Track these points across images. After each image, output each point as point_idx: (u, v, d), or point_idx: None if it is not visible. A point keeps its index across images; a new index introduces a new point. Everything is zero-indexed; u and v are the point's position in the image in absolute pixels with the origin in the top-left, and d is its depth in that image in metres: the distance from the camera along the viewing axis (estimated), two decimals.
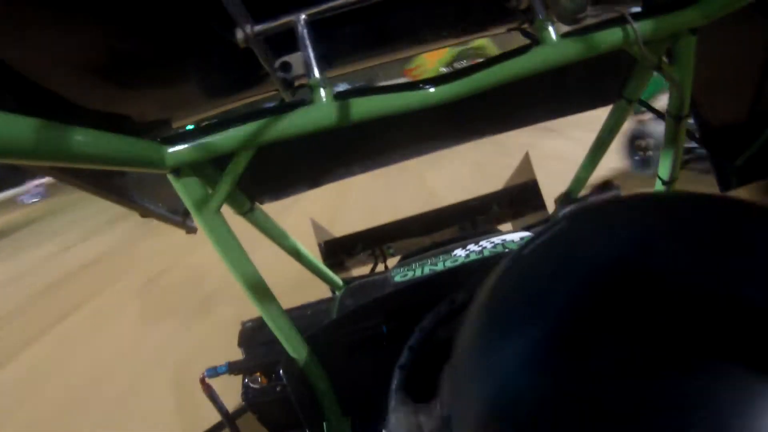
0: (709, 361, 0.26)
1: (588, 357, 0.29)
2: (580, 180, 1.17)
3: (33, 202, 17.77)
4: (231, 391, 1.11)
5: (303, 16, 0.58)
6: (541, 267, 0.38)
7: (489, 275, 0.44)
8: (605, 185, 1.10)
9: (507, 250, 0.93)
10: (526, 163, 1.77)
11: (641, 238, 0.34)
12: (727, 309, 0.28)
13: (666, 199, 0.42)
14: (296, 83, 0.72)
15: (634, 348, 0.28)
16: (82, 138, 0.48)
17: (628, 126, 3.87)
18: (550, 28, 0.63)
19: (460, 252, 0.97)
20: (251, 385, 1.03)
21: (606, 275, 0.33)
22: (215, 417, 1.06)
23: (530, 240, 0.43)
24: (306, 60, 0.60)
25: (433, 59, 8.01)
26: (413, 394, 0.60)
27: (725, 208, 0.36)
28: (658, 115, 0.87)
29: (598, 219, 0.40)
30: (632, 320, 0.29)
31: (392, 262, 1.48)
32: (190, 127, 0.82)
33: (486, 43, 7.42)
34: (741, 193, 0.94)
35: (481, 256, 0.93)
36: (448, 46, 0.86)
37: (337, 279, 1.42)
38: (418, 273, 0.95)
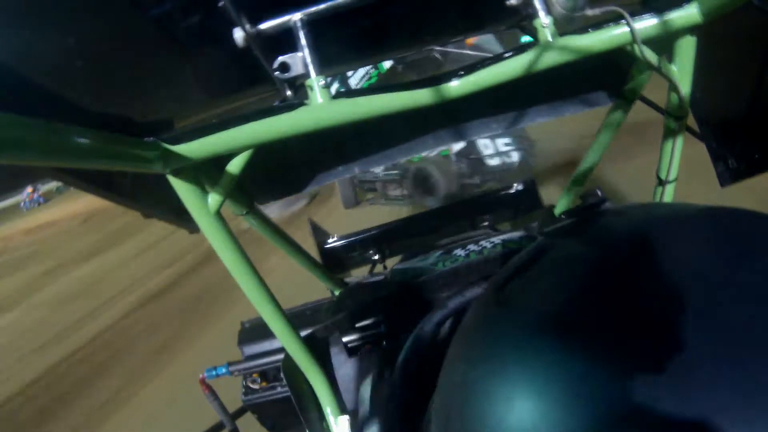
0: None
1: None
2: (578, 179, 1.17)
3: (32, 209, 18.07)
4: (230, 391, 1.11)
5: (301, 16, 0.58)
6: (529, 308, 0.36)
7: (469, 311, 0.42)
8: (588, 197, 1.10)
9: (507, 249, 0.93)
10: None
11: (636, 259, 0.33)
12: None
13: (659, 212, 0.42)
14: (296, 83, 0.72)
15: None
16: (82, 138, 0.48)
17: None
18: (549, 27, 0.63)
19: (460, 252, 0.97)
20: (251, 385, 1.03)
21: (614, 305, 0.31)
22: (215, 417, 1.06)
23: (512, 269, 0.42)
24: (304, 60, 0.60)
25: None
26: (409, 400, 0.60)
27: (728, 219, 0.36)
28: (660, 112, 0.87)
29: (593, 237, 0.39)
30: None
31: (392, 262, 1.48)
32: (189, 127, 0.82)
33: None
34: (740, 189, 0.95)
35: (481, 256, 0.93)
36: (448, 44, 0.86)
37: (337, 279, 1.42)
38: (418, 273, 0.95)
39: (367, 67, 4.39)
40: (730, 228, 0.34)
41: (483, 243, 0.96)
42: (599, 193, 0.45)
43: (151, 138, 0.61)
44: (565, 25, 0.64)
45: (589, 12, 0.62)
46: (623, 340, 0.28)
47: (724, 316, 0.27)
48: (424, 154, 4.39)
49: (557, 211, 1.33)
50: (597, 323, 0.30)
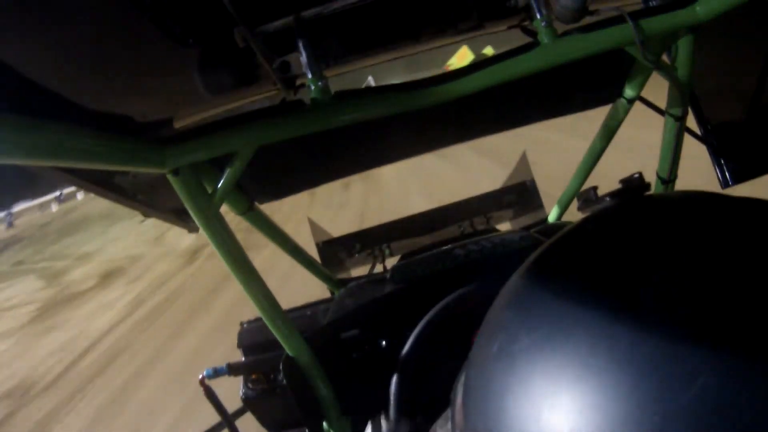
0: None
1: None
2: (578, 180, 1.17)
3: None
4: (230, 391, 1.11)
5: (302, 16, 0.58)
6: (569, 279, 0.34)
7: (508, 284, 0.40)
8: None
9: (507, 249, 0.93)
10: (523, 163, 1.77)
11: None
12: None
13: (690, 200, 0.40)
14: (296, 83, 0.72)
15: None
16: (81, 138, 0.48)
17: None
18: (550, 27, 0.63)
19: (460, 252, 0.97)
20: (251, 385, 1.02)
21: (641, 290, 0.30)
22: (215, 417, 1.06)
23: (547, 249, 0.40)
24: (305, 59, 0.60)
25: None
26: (413, 395, 0.60)
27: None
28: (660, 113, 0.87)
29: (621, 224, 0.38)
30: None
31: (391, 262, 1.48)
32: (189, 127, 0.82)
33: None
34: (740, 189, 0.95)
35: (481, 256, 0.93)
36: (448, 44, 0.86)
37: (336, 279, 1.42)
38: (418, 273, 0.95)
39: None
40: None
41: (483, 243, 0.96)
42: (641, 177, 0.43)
43: (151, 138, 0.61)
44: (566, 26, 0.64)
45: (590, 12, 0.62)
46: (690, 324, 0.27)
47: None
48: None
49: (557, 210, 1.33)
50: (653, 304, 0.29)
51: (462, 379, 0.39)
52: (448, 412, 0.41)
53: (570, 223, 0.48)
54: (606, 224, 0.38)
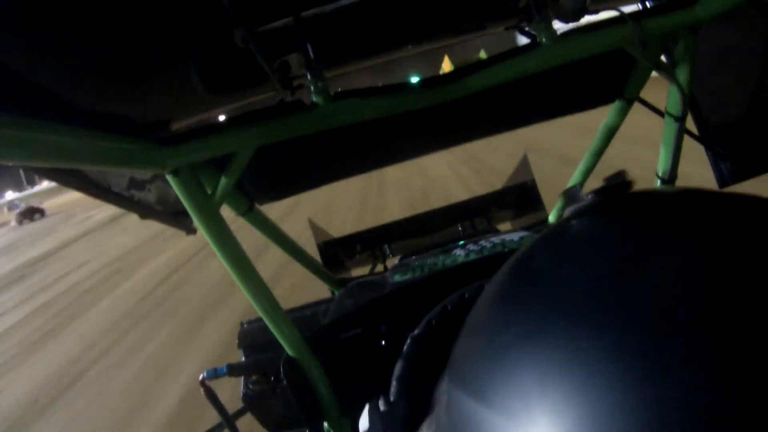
0: None
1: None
2: (578, 181, 1.17)
3: None
4: (229, 391, 1.11)
5: (302, 16, 0.58)
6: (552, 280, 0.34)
7: (491, 282, 0.40)
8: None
9: (507, 249, 0.93)
10: (524, 163, 1.77)
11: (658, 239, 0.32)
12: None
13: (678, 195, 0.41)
14: (295, 83, 0.72)
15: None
16: (81, 138, 0.48)
17: None
18: (550, 28, 0.63)
19: (460, 252, 0.97)
20: (251, 386, 1.02)
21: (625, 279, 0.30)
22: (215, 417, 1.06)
23: (533, 245, 0.40)
24: (304, 60, 0.60)
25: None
26: (410, 399, 0.59)
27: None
28: (659, 114, 0.87)
29: (607, 219, 0.38)
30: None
31: (392, 262, 1.48)
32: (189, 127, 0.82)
33: None
34: (740, 188, 0.95)
35: (481, 256, 0.93)
36: (448, 44, 0.86)
37: (337, 279, 1.42)
38: (418, 273, 0.95)
39: None
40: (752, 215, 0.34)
41: (483, 243, 0.96)
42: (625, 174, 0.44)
43: (151, 138, 0.61)
44: (566, 26, 0.64)
45: (590, 12, 0.62)
46: (654, 318, 0.27)
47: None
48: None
49: (557, 209, 1.33)
50: (626, 300, 0.29)
51: (443, 384, 0.39)
52: (431, 418, 0.41)
53: None
54: (587, 222, 0.39)
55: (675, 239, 0.32)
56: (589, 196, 0.40)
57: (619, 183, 0.40)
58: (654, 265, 0.31)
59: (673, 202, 0.39)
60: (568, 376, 0.28)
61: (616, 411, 0.25)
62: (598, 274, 0.32)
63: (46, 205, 28.42)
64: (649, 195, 0.41)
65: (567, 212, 0.41)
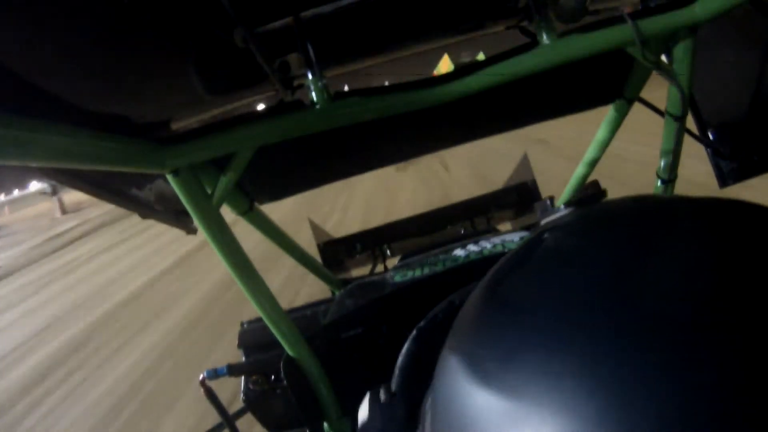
0: None
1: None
2: (578, 180, 1.17)
3: None
4: (229, 391, 1.11)
5: (301, 16, 0.58)
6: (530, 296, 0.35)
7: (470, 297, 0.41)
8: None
9: (507, 250, 0.93)
10: (524, 163, 1.77)
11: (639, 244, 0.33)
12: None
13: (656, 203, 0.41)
14: (295, 83, 0.72)
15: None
16: (81, 138, 0.48)
17: None
18: (549, 27, 0.63)
19: (460, 252, 0.97)
20: (251, 386, 1.02)
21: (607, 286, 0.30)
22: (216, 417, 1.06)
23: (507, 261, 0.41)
24: (304, 60, 0.60)
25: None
26: (410, 400, 0.59)
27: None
28: (659, 114, 0.87)
29: (589, 225, 0.39)
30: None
31: (392, 262, 1.48)
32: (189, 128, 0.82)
33: None
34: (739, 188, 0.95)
35: (481, 256, 0.93)
36: (447, 44, 0.86)
37: (337, 279, 1.42)
38: (418, 273, 0.95)
39: None
40: (726, 220, 0.34)
41: (483, 243, 0.96)
42: (599, 184, 0.45)
43: (151, 138, 0.61)
44: (566, 26, 0.64)
45: (590, 12, 0.62)
46: (621, 330, 0.27)
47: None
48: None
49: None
50: (591, 314, 0.29)
51: (429, 400, 0.40)
52: (430, 392, 0.41)
53: None
54: (560, 233, 0.40)
55: (650, 246, 0.33)
56: (563, 208, 0.41)
57: (592, 194, 0.41)
58: (635, 269, 0.31)
59: (644, 210, 0.40)
60: (556, 363, 0.28)
61: (612, 408, 0.25)
62: (592, 276, 0.32)
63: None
64: (622, 204, 0.41)
65: (542, 224, 0.42)
